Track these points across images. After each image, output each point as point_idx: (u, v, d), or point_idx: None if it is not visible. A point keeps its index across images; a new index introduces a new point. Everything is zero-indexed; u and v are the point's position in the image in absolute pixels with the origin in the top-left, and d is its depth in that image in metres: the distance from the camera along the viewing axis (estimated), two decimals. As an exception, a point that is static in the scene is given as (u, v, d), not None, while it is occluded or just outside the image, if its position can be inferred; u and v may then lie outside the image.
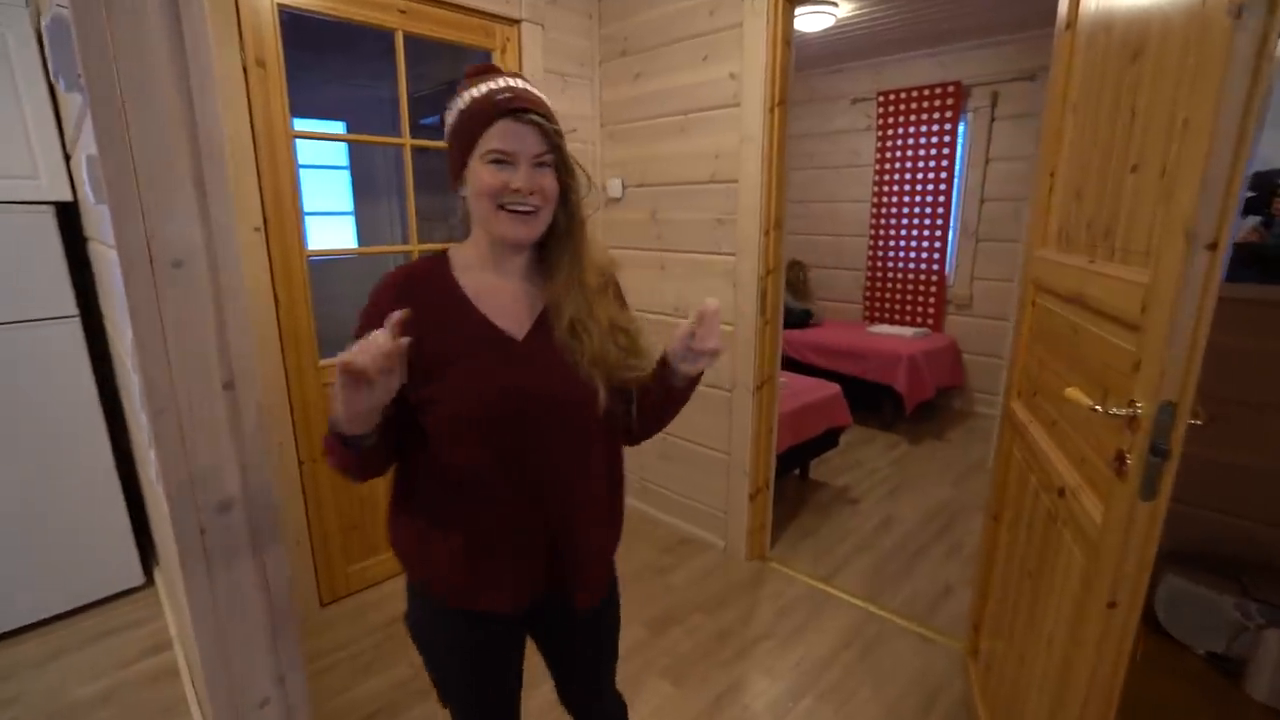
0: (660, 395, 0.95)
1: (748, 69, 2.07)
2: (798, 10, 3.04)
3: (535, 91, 0.88)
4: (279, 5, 1.77)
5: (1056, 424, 1.24)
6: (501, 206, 0.86)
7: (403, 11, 2.03)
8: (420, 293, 0.89)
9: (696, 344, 0.83)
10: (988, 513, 1.69)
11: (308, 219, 1.98)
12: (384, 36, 2.07)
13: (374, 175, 3.77)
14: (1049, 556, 1.21)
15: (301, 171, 3.59)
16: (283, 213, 1.86)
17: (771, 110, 2.07)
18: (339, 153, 3.72)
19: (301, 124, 3.55)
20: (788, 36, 2.04)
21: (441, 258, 0.95)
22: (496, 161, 0.84)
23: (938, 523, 2.78)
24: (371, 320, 0.87)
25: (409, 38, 2.08)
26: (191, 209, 1.03)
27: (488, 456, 0.89)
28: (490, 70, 0.89)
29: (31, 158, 1.92)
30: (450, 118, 0.89)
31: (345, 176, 3.69)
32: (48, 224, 1.93)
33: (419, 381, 0.85)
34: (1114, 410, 0.89)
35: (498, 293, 0.93)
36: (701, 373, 0.91)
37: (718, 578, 2.37)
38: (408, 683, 1.79)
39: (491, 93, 0.85)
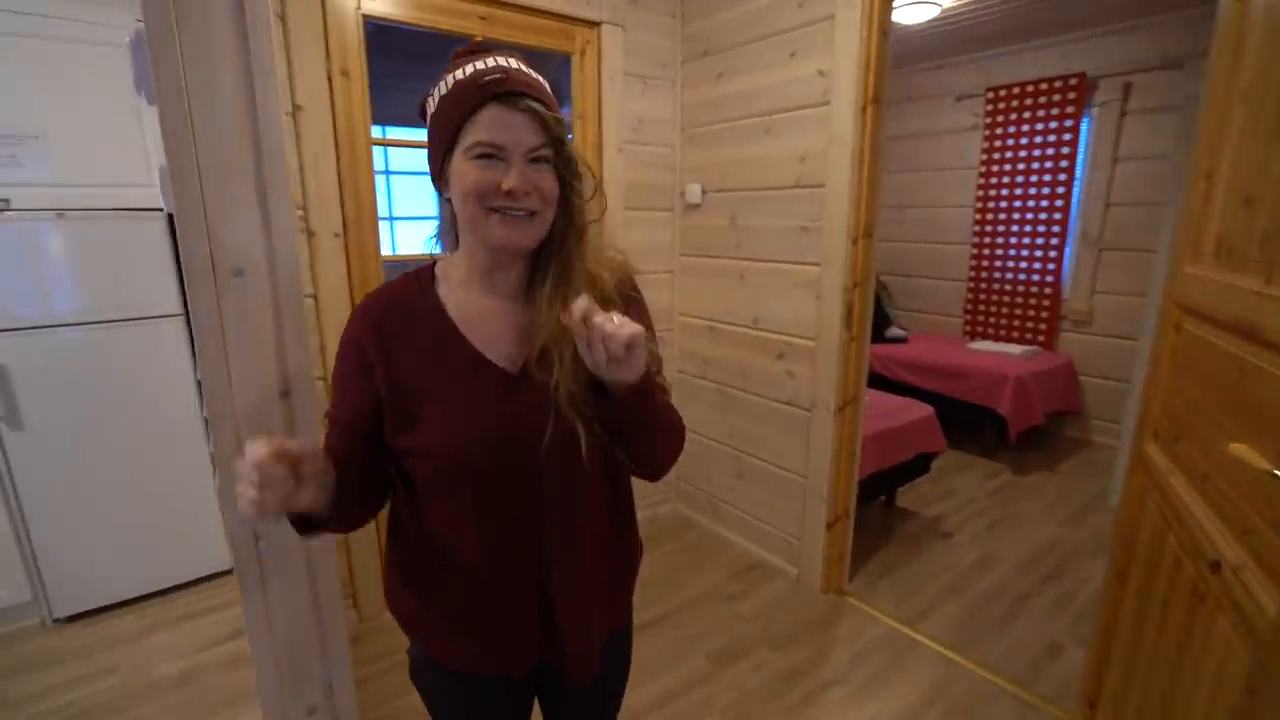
0: (613, 416, 0.73)
1: (839, 64, 1.91)
2: (898, 1, 2.83)
3: (531, 73, 0.74)
4: (364, 16, 1.80)
5: (1209, 479, 1.02)
6: (492, 209, 0.72)
7: (483, 18, 2.03)
8: (397, 320, 0.79)
9: (591, 355, 0.64)
10: (1111, 568, 1.45)
11: (396, 223, 2.01)
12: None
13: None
14: (1194, 644, 0.99)
15: (392, 178, 3.71)
16: (362, 219, 1.89)
17: (864, 109, 1.89)
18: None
19: (393, 131, 3.71)
20: (885, 27, 1.86)
21: (426, 274, 0.83)
22: (484, 156, 0.70)
23: (1045, 566, 2.48)
24: (346, 360, 0.80)
25: (492, 44, 2.07)
26: (253, 219, 1.03)
27: (473, 513, 0.77)
28: (479, 50, 0.75)
29: (148, 167, 2.07)
30: (431, 106, 0.75)
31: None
32: (159, 229, 2.07)
33: (398, 427, 0.77)
34: (1303, 479, 0.70)
35: (490, 316, 0.80)
36: (649, 381, 0.71)
37: (789, 610, 2.21)
38: (461, 695, 1.77)
39: (477, 74, 0.71)
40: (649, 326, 0.82)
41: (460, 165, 0.72)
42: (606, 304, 0.78)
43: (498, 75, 0.70)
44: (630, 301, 0.86)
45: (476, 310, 0.80)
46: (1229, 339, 1.01)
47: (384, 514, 0.89)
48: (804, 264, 2.15)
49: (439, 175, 0.77)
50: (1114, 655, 1.39)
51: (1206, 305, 1.11)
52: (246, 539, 1.11)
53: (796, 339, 2.22)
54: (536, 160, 0.72)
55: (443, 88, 0.73)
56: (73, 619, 2.10)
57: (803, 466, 2.27)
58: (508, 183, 0.70)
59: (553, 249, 0.78)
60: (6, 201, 1.86)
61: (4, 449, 1.93)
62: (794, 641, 2.04)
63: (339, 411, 0.81)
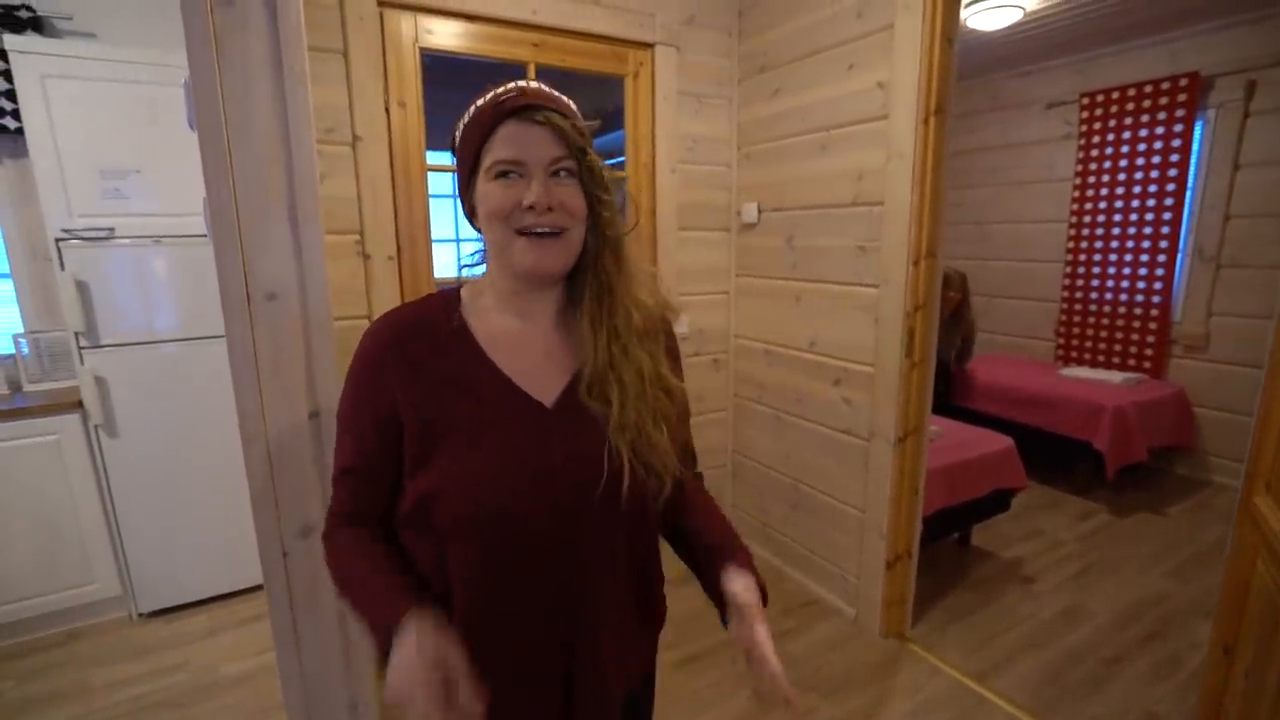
0: (695, 567, 0.81)
1: (898, 76, 1.81)
2: (975, 7, 2.67)
3: (551, 90, 0.72)
4: (421, 49, 1.88)
5: (1330, 546, 0.85)
6: (519, 232, 0.69)
7: (535, 45, 2.07)
8: (419, 343, 0.72)
9: (751, 665, 0.69)
10: (1214, 640, 1.25)
11: (454, 245, 2.07)
12: (546, 75, 2.11)
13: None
14: (1312, 743, 0.82)
15: (447, 201, 3.82)
16: (415, 242, 1.96)
17: (925, 121, 1.78)
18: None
19: (443, 157, 3.88)
20: (949, 34, 1.74)
21: (451, 297, 0.77)
22: (504, 174, 0.68)
23: (1144, 624, 2.19)
24: (360, 391, 0.72)
25: (544, 70, 2.11)
26: (286, 245, 1.07)
27: (497, 565, 0.70)
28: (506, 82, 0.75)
29: (233, 197, 2.24)
30: (456, 137, 0.74)
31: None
32: (240, 253, 2.23)
33: (417, 464, 0.70)
34: None
35: (522, 344, 0.74)
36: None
37: (843, 654, 2.06)
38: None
39: (495, 96, 0.70)
40: (681, 374, 0.82)
41: (484, 188, 0.70)
42: (645, 338, 0.76)
43: (513, 93, 0.69)
44: (671, 355, 0.82)
45: (507, 337, 0.74)
46: (1355, 378, 0.84)
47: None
48: (862, 285, 2.03)
49: (467, 203, 0.75)
50: (1219, 742, 1.19)
51: (1327, 336, 0.94)
52: (275, 552, 1.14)
53: (854, 364, 2.10)
54: (559, 174, 0.69)
55: (465, 117, 0.73)
56: (155, 614, 2.26)
57: (861, 500, 2.13)
58: (529, 197, 0.67)
59: (587, 269, 0.74)
60: (112, 230, 2.06)
61: (102, 454, 2.12)
62: (846, 688, 1.90)
63: (358, 457, 0.73)
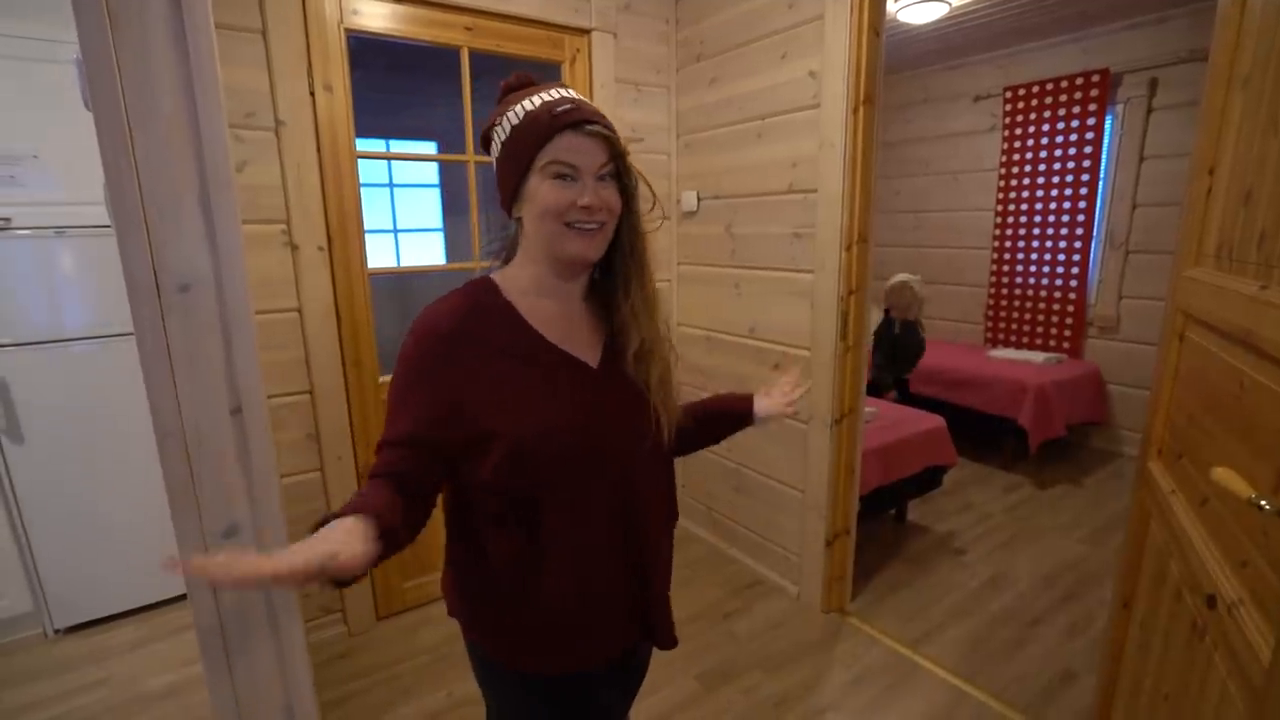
0: (728, 430, 1.11)
1: (828, 64, 1.85)
2: (904, 0, 2.75)
3: (592, 104, 0.83)
4: (346, 30, 1.81)
5: (1208, 504, 0.93)
6: (569, 225, 0.79)
7: (469, 29, 2.02)
8: (482, 326, 0.82)
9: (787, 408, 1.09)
10: (1116, 597, 1.35)
11: (400, 235, 2.01)
12: (481, 60, 2.06)
13: (464, 193, 3.89)
14: (1193, 683, 0.90)
15: (395, 190, 3.75)
16: (347, 232, 1.89)
17: (855, 110, 1.83)
18: (434, 172, 3.88)
19: (399, 145, 3.75)
20: (877, 25, 1.80)
21: (489, 285, 0.87)
22: (559, 176, 0.78)
23: (1062, 587, 2.34)
24: (421, 378, 0.79)
25: (478, 55, 2.06)
26: (199, 234, 1.02)
27: (572, 499, 0.83)
28: (529, 83, 0.85)
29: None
30: (501, 134, 0.82)
31: (437, 195, 3.83)
32: (156, 244, 2.10)
33: (495, 434, 0.78)
34: (1290, 511, 0.62)
35: (562, 319, 0.87)
36: None
37: (786, 630, 2.12)
38: (440, 714, 1.74)
39: (548, 105, 0.78)
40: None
41: (538, 185, 0.79)
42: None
43: (569, 106, 0.78)
44: None
45: (548, 314, 0.86)
46: (1229, 349, 0.92)
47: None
48: (798, 271, 2.08)
49: (512, 197, 0.84)
50: (1119, 688, 1.29)
51: (1207, 312, 1.02)
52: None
53: (792, 349, 2.15)
54: (604, 177, 0.80)
55: (513, 118, 0.80)
56: (73, 629, 2.13)
57: (801, 481, 2.20)
58: (584, 199, 0.78)
59: (621, 257, 0.87)
60: (8, 220, 1.91)
61: (5, 462, 1.97)
62: (790, 663, 1.96)
63: (412, 430, 0.79)
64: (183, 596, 2.25)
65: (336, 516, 0.67)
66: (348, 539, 0.63)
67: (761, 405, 1.10)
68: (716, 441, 1.12)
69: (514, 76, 0.86)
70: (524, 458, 0.79)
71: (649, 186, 0.87)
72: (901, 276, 3.34)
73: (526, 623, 0.87)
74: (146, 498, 2.15)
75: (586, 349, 0.87)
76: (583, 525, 0.84)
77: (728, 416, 1.10)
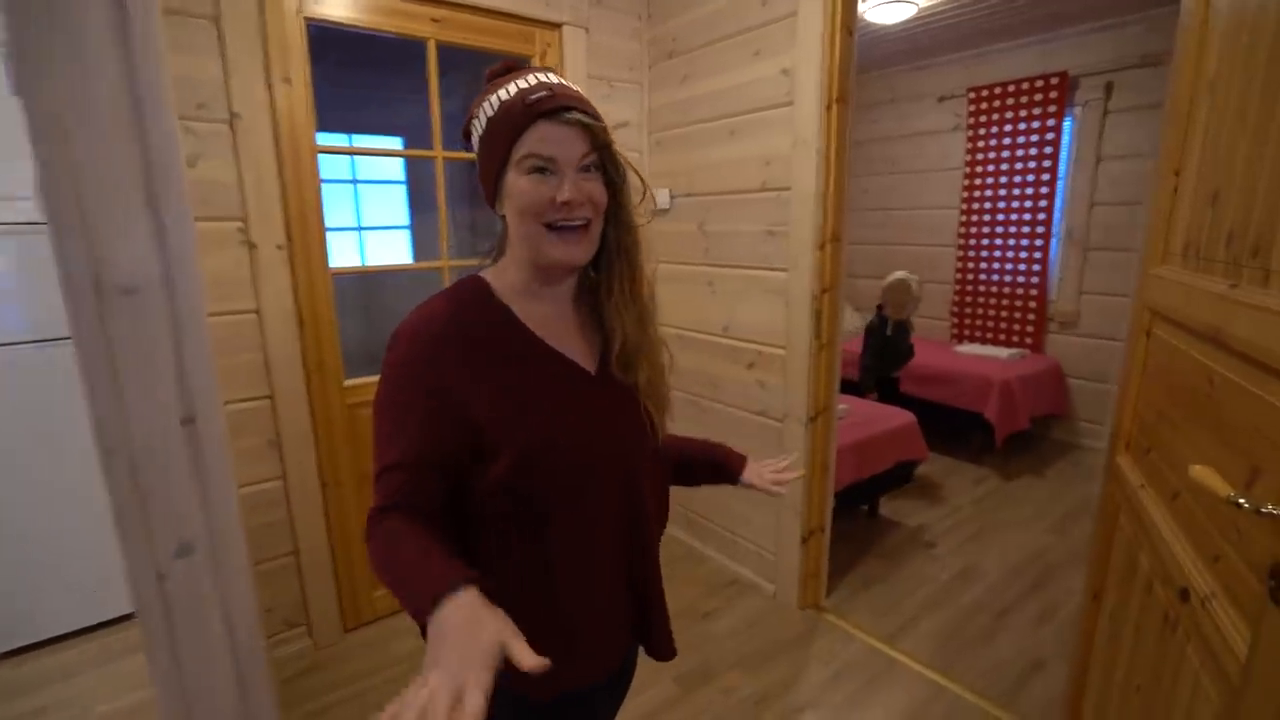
0: (709, 480, 1.04)
1: (801, 62, 1.85)
2: (872, 0, 2.77)
3: (573, 86, 0.75)
4: (306, 19, 1.73)
5: (1180, 498, 0.95)
6: (549, 226, 0.73)
7: (436, 20, 1.96)
8: (474, 330, 0.76)
9: (773, 485, 1.00)
10: (1086, 589, 1.37)
11: (364, 233, 1.94)
12: (448, 54, 2.00)
13: (431, 189, 3.80)
14: (1165, 675, 0.91)
15: (360, 187, 3.63)
16: (307, 230, 1.82)
17: (829, 108, 1.83)
18: (400, 168, 3.77)
19: (362, 140, 3.64)
20: (849, 24, 1.80)
21: (479, 285, 0.80)
22: (536, 170, 0.72)
23: (1029, 577, 2.40)
24: (414, 391, 0.72)
25: (446, 48, 2.01)
26: (145, 233, 0.95)
27: (579, 510, 0.79)
28: (514, 69, 0.77)
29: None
30: (479, 127, 0.76)
31: (403, 191, 3.73)
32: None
33: (498, 443, 0.72)
34: (1269, 508, 0.63)
35: (555, 322, 0.82)
36: None
37: (764, 629, 2.12)
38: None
39: (523, 93, 0.72)
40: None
41: (515, 181, 0.73)
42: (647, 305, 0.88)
43: (544, 93, 0.72)
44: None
45: (541, 317, 0.81)
46: (1198, 345, 0.94)
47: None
48: (771, 270, 2.08)
49: (494, 194, 0.78)
50: (1090, 677, 1.32)
51: (1175, 309, 1.03)
52: (148, 577, 1.03)
53: (766, 347, 2.15)
54: (587, 169, 0.74)
55: (488, 109, 0.75)
56: (8, 655, 1.98)
57: (776, 479, 2.19)
58: (563, 194, 0.72)
59: (608, 254, 0.81)
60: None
61: (-72, 478, 1.84)
62: (768, 662, 1.96)
63: (414, 451, 0.72)
64: (127, 616, 2.14)
65: (428, 594, 0.59)
66: (491, 616, 0.59)
67: (751, 472, 1.03)
68: (692, 485, 1.06)
69: (501, 64, 0.80)
70: (528, 471, 0.74)
71: (639, 175, 0.81)
72: (900, 274, 3.33)
73: (534, 640, 0.80)
74: (91, 513, 2.03)
75: (583, 354, 0.83)
76: (589, 536, 0.80)
77: (716, 469, 1.03)
